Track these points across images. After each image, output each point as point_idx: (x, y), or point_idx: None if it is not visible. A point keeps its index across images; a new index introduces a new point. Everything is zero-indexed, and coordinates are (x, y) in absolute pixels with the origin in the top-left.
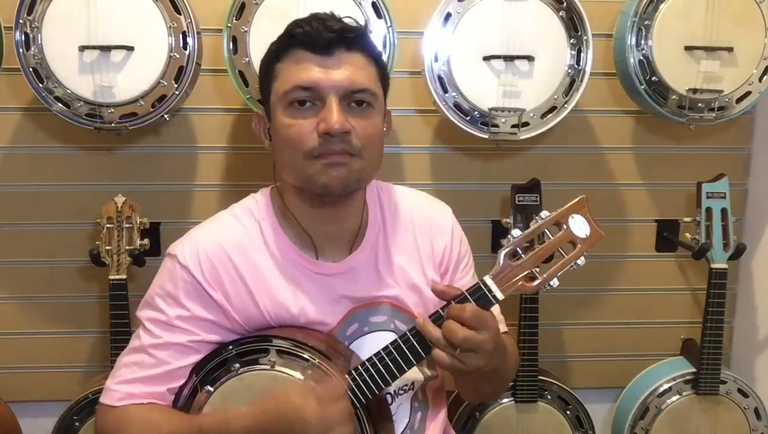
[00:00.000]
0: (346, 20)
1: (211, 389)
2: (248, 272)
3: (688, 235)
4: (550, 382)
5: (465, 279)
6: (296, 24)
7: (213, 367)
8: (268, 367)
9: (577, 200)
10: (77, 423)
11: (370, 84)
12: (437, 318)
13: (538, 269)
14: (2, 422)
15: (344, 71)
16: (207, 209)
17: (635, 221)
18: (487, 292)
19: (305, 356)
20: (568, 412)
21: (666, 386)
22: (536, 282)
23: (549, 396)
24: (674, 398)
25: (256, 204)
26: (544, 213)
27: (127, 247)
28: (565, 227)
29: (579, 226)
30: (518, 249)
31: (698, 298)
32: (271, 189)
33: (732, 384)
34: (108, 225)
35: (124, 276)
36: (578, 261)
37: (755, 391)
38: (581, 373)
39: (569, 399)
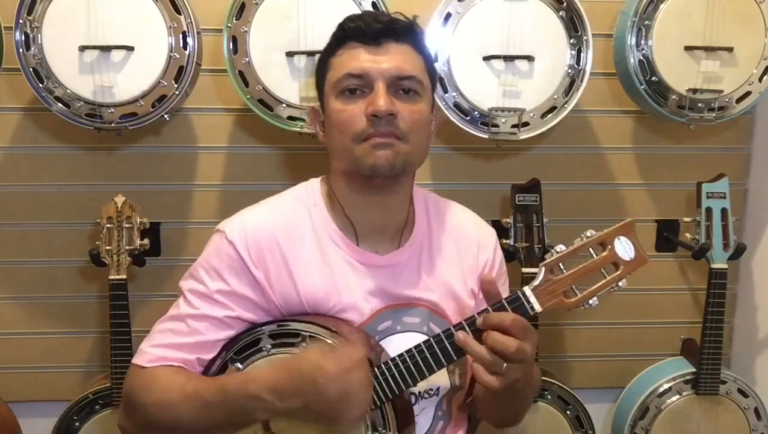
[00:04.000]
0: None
1: (241, 366)
2: (292, 256)
3: (688, 235)
4: (550, 382)
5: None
6: (349, 19)
7: (245, 345)
8: (299, 351)
9: (625, 222)
10: (77, 423)
11: (417, 72)
12: (471, 323)
13: (577, 287)
14: (2, 422)
15: (392, 59)
16: (207, 209)
17: (635, 221)
18: (525, 302)
19: (336, 344)
20: (568, 412)
21: (666, 386)
22: (574, 299)
23: (549, 396)
24: (674, 398)
25: (307, 192)
26: (590, 232)
27: (127, 247)
28: (609, 247)
29: (624, 248)
30: (560, 264)
31: (698, 298)
32: (322, 178)
33: (732, 384)
34: (108, 225)
35: (124, 276)
36: (620, 283)
37: (755, 391)
38: (581, 373)
39: (569, 399)
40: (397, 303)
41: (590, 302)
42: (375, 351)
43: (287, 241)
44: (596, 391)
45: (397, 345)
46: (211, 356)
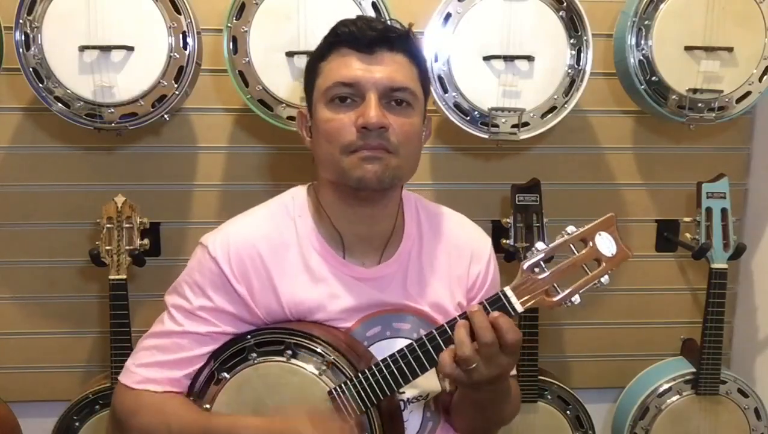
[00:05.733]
0: (391, 22)
1: (227, 376)
2: (275, 269)
3: (688, 235)
4: (550, 382)
5: None
6: (342, 23)
7: (231, 355)
8: (284, 359)
9: (605, 217)
10: (77, 423)
11: (410, 83)
12: (453, 327)
13: (559, 285)
14: (2, 422)
15: (385, 69)
16: (207, 209)
17: (635, 221)
18: (506, 303)
19: (321, 351)
20: (568, 412)
21: (666, 386)
22: (557, 298)
23: (549, 396)
24: (674, 398)
25: (293, 201)
26: (571, 228)
27: (127, 247)
28: (591, 244)
29: (606, 244)
30: (541, 262)
31: (698, 298)
32: (308, 187)
33: (732, 384)
34: (108, 225)
35: (124, 276)
36: (602, 279)
37: (755, 391)
38: (581, 373)
39: (569, 399)
40: (386, 309)
41: (572, 299)
42: (364, 358)
43: (271, 254)
44: (596, 391)
45: (386, 350)
46: (197, 368)
